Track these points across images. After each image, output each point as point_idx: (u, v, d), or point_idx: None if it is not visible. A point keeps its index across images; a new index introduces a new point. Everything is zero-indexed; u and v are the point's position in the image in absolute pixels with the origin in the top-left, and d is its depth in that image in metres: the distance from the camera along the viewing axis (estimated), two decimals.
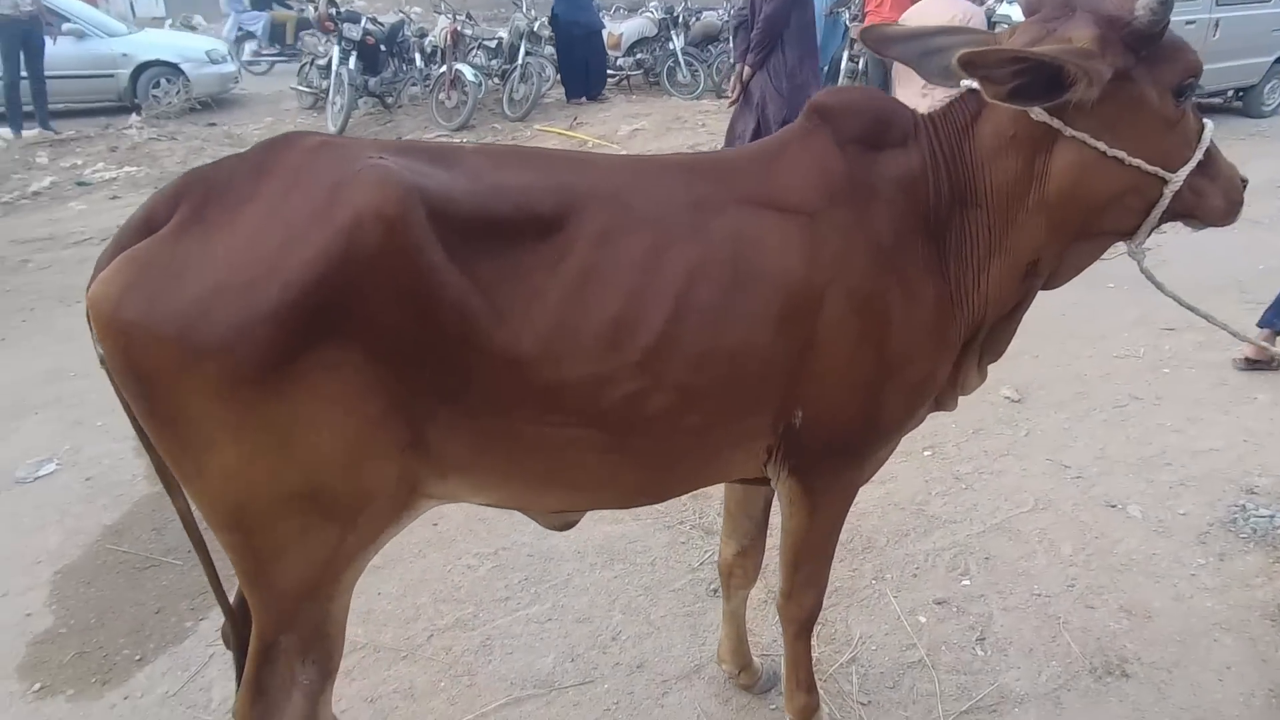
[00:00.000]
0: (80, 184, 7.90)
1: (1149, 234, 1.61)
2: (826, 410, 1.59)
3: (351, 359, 1.28)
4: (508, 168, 1.43)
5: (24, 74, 9.54)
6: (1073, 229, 1.58)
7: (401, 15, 12.44)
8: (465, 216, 1.33)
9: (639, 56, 11.85)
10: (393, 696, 2.31)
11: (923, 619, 2.50)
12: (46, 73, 10.02)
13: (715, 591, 2.62)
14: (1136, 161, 1.49)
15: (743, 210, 1.51)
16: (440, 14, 10.65)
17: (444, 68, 9.71)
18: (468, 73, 9.59)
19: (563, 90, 11.40)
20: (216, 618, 2.22)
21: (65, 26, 11.48)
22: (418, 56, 11.32)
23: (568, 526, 1.79)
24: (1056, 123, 1.47)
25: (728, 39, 11.65)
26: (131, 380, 1.26)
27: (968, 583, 2.65)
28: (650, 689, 2.30)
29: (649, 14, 11.85)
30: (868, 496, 3.08)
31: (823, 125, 1.58)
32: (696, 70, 11.47)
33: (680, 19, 11.60)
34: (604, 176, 1.49)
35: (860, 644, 2.42)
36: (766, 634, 2.45)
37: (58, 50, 10.35)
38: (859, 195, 1.54)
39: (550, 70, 11.14)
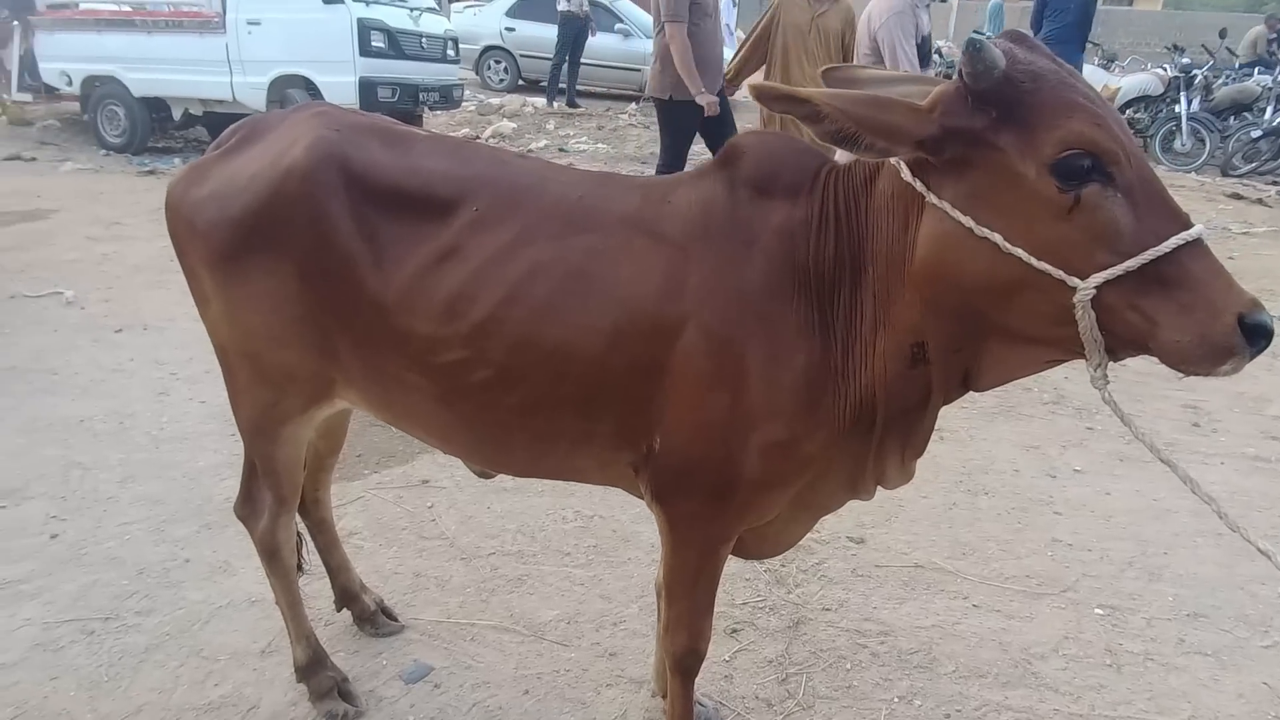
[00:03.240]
0: (562, 150, 9.73)
1: (1100, 356, 1.27)
2: (680, 443, 1.59)
3: (283, 270, 1.72)
4: (435, 155, 1.71)
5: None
6: (950, 313, 1.35)
7: None
8: (377, 185, 1.67)
9: (1132, 115, 10.38)
10: (430, 578, 2.76)
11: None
12: (588, 60, 12.50)
13: (733, 633, 2.58)
14: (1016, 251, 1.22)
15: (617, 228, 1.58)
16: None
17: None
18: None
19: None
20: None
21: (616, 26, 14.00)
22: None
23: (484, 476, 2.03)
24: (919, 184, 1.30)
25: (1265, 109, 9.67)
26: (174, 242, 1.86)
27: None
28: (603, 675, 2.39)
29: (1160, 70, 10.30)
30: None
31: (727, 165, 1.57)
32: (1204, 139, 9.74)
33: (1197, 80, 9.88)
34: (513, 176, 1.68)
35: None
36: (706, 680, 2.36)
37: (602, 44, 12.79)
38: (736, 239, 1.51)
39: None
